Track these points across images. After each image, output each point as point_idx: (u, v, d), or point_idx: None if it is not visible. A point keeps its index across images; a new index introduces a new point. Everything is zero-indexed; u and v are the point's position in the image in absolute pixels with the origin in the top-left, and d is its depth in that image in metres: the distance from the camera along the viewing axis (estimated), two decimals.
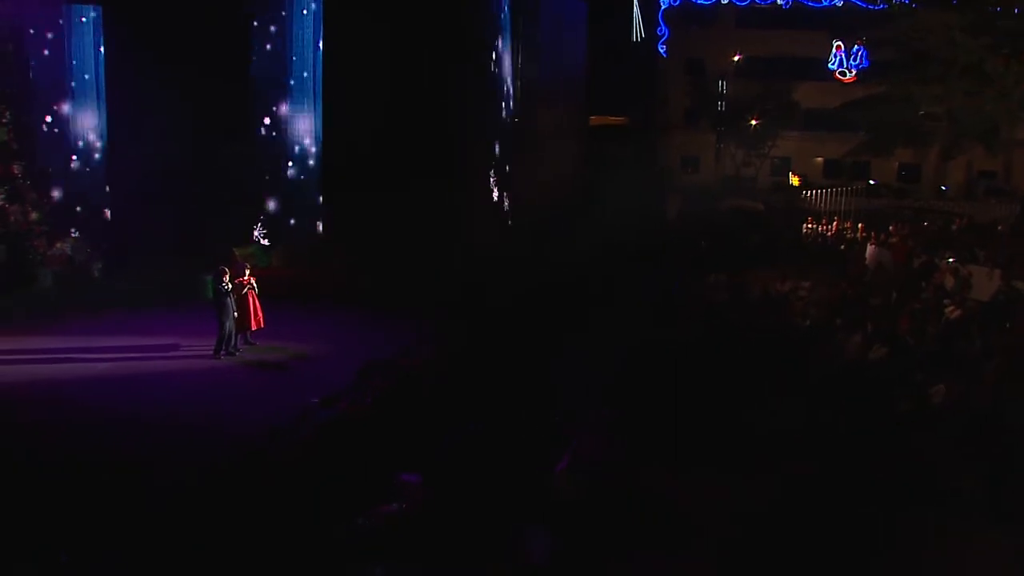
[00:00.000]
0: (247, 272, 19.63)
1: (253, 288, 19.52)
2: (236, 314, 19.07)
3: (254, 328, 19.72)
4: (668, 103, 55.37)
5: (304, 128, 26.64)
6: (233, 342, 19.24)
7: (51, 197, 26.18)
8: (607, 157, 44.81)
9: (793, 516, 10.40)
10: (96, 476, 12.43)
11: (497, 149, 30.79)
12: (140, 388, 17.01)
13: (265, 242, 26.53)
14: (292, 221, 26.99)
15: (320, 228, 27.38)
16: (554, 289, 22.60)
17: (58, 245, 25.44)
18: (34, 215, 24.99)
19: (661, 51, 55.31)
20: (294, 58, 26.19)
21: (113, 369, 18.12)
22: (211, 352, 19.02)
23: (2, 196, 24.20)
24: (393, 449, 11.98)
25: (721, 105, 54.79)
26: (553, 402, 14.17)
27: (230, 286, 18.86)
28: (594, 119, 49.82)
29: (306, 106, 26.51)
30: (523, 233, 30.77)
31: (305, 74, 26.36)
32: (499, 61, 30.34)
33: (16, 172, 24.66)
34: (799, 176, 52.83)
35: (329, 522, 9.90)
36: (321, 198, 27.28)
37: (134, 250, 25.68)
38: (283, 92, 26.38)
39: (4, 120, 24.35)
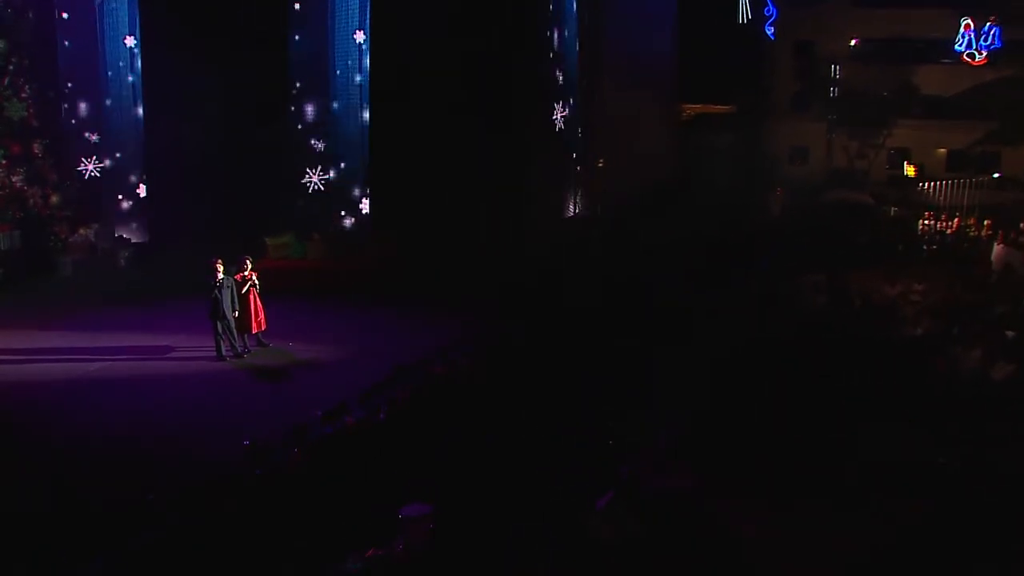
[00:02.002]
0: (248, 267, 18.20)
1: (255, 285, 18.28)
2: (237, 313, 17.88)
3: (254, 331, 18.51)
4: (775, 89, 52.54)
5: (347, 115, 25.50)
6: (243, 343, 18.21)
7: (75, 179, 25.17)
8: (708, 148, 42.83)
9: (900, 568, 9.37)
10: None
11: (561, 138, 29.69)
12: (125, 393, 15.98)
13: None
14: (330, 211, 25.94)
15: (361, 219, 26.16)
16: (624, 289, 20.87)
17: (81, 231, 24.63)
18: (55, 198, 23.58)
19: (769, 33, 52.36)
20: (337, 41, 25.28)
21: (107, 370, 17.20)
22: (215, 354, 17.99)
23: (20, 177, 22.75)
24: (402, 472, 10.74)
25: (833, 91, 51.62)
26: (607, 421, 12.68)
27: (223, 281, 17.55)
28: (695, 107, 47.62)
29: (350, 92, 25.47)
30: (599, 229, 29.88)
31: (349, 61, 25.37)
32: (563, 44, 29.53)
33: (36, 151, 23.41)
34: (915, 167, 49.26)
35: (313, 564, 8.86)
36: (364, 188, 26.13)
37: (163, 238, 24.99)
38: (325, 77, 25.44)
39: (24, 95, 22.90)
